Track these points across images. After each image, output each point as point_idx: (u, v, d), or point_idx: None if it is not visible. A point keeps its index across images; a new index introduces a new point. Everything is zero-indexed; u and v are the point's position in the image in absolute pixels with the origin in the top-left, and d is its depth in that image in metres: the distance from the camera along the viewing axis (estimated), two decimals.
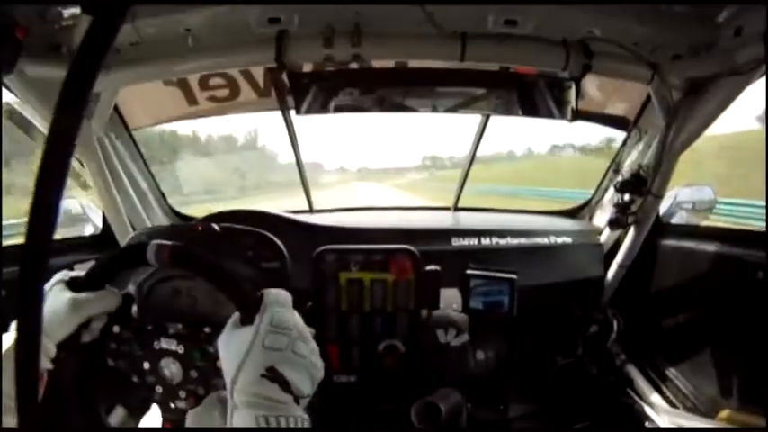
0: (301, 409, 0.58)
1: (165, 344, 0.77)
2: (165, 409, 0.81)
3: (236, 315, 0.62)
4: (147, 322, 0.80)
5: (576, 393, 1.67)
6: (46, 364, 0.67)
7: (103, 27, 0.35)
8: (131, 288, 0.86)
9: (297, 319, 0.63)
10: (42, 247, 0.35)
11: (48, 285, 0.70)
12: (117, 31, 0.36)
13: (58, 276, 0.72)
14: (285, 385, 0.57)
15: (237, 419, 0.55)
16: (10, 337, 0.63)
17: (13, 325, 0.58)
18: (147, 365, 0.78)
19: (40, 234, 0.35)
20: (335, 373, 1.30)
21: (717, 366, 1.36)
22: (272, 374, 0.56)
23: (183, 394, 0.78)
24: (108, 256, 0.73)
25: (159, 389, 0.78)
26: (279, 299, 0.63)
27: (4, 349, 0.61)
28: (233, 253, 1.08)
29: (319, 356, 0.65)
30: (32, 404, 0.36)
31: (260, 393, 0.55)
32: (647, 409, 1.52)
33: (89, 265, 0.75)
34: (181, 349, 0.77)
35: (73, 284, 0.71)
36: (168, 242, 0.66)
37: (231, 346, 0.59)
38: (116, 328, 0.77)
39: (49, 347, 0.67)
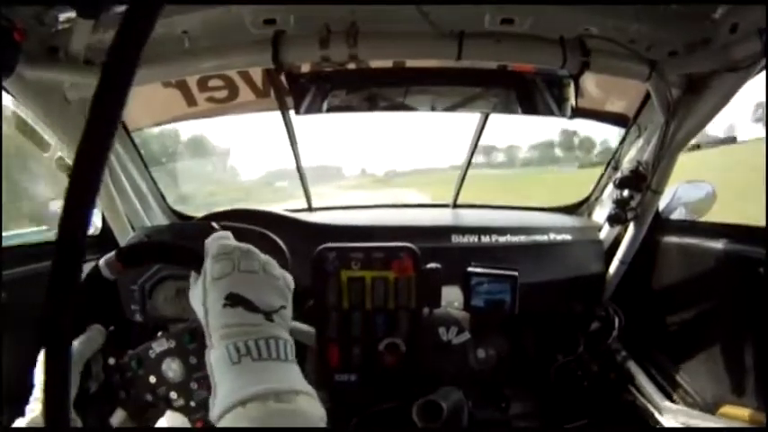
0: (278, 326, 0.54)
1: (158, 347, 0.77)
2: (188, 412, 0.79)
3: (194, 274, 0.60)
4: (150, 323, 0.80)
5: (578, 391, 1.67)
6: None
7: (139, 23, 0.33)
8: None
9: (239, 243, 0.60)
10: (76, 261, 0.34)
11: None
12: (153, 26, 0.34)
13: None
14: (249, 305, 0.53)
15: (211, 359, 0.51)
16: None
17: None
18: (153, 380, 0.77)
19: (72, 247, 0.33)
20: (337, 371, 1.30)
21: (717, 362, 1.36)
22: (232, 300, 0.53)
23: (194, 385, 0.77)
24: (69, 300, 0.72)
25: (174, 395, 0.77)
26: (218, 235, 0.60)
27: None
28: None
29: (278, 267, 0.61)
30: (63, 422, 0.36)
31: (227, 323, 0.52)
32: (649, 407, 1.52)
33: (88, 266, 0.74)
34: (172, 344, 0.76)
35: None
36: (112, 252, 0.63)
37: (193, 299, 0.57)
38: (112, 361, 0.77)
39: None
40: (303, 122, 1.73)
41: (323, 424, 0.48)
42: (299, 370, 0.53)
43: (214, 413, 0.47)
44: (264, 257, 0.60)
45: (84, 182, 0.33)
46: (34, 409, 0.65)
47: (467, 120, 1.82)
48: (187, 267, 0.60)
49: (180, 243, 0.63)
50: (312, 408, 0.49)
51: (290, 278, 0.61)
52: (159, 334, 0.77)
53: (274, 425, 0.45)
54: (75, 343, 0.69)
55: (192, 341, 0.75)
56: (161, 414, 0.82)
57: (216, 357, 0.51)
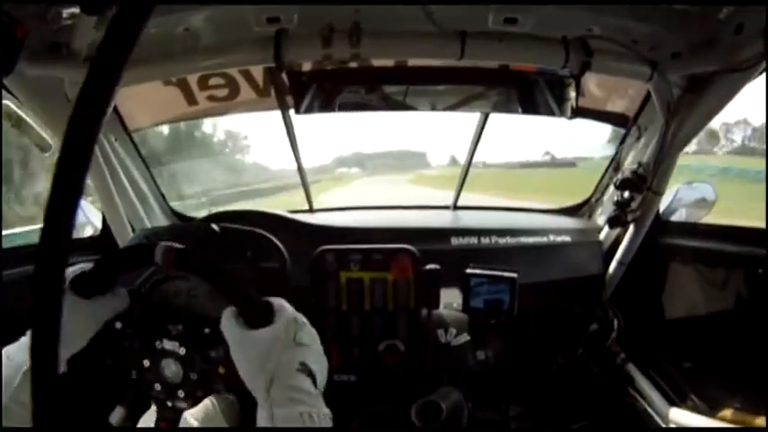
0: (322, 400, 0.61)
1: (168, 345, 0.78)
2: (161, 408, 0.81)
3: (232, 319, 0.63)
4: (148, 322, 0.80)
5: (577, 392, 1.67)
6: None
7: (128, 25, 0.34)
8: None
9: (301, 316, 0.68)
10: (61, 255, 0.34)
11: None
12: (141, 30, 0.35)
13: None
14: (314, 379, 0.61)
15: (280, 417, 0.57)
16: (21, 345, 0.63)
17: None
18: (147, 363, 0.78)
19: (56, 245, 0.33)
20: (336, 372, 1.29)
21: (717, 365, 1.36)
22: (304, 368, 0.61)
23: (181, 394, 0.79)
24: (113, 256, 0.72)
25: (158, 386, 0.79)
26: (285, 306, 0.66)
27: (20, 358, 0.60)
28: (233, 253, 1.08)
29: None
30: (50, 414, 0.35)
31: (299, 387, 0.59)
32: (648, 408, 1.51)
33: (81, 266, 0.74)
34: (182, 351, 0.77)
35: (77, 288, 0.68)
36: (177, 245, 0.65)
37: (251, 349, 0.61)
38: (118, 325, 0.77)
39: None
40: None
41: None
42: None
43: None
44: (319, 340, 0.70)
45: (68, 179, 0.33)
46: None
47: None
48: (237, 306, 0.64)
49: (241, 281, 0.65)
50: None
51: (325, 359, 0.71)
52: (173, 332, 0.78)
53: None
54: (101, 300, 0.69)
55: (203, 363, 0.78)
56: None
57: (288, 419, 0.57)
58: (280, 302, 0.66)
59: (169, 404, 0.80)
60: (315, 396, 0.60)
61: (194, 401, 0.78)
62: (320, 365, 0.65)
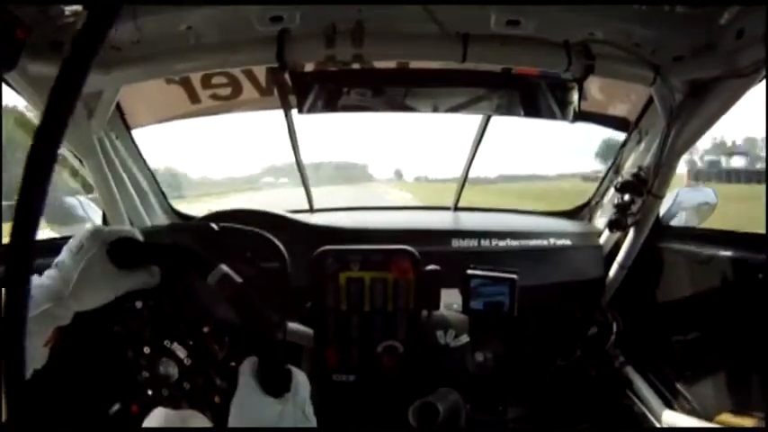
0: None
1: (176, 347, 0.76)
2: (138, 391, 0.79)
3: (249, 377, 0.61)
4: (168, 320, 0.79)
5: (575, 395, 1.67)
6: (62, 322, 0.64)
7: (97, 21, 0.35)
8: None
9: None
10: (27, 245, 0.35)
11: (85, 240, 0.66)
12: (110, 26, 0.36)
13: (99, 235, 0.67)
14: None
15: None
16: None
17: None
18: (147, 350, 0.77)
19: (25, 231, 0.34)
20: (334, 372, 1.30)
21: (716, 369, 1.36)
22: None
23: (165, 393, 0.77)
24: (170, 248, 0.71)
25: (146, 374, 0.77)
26: (304, 381, 0.64)
27: None
28: (232, 253, 1.08)
29: None
30: (20, 403, 0.36)
31: None
32: (646, 412, 1.52)
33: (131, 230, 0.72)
34: (188, 362, 0.76)
35: (115, 253, 0.66)
36: (237, 278, 0.63)
37: (250, 414, 0.59)
38: (139, 304, 0.76)
39: (68, 311, 0.64)
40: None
41: None
42: None
43: None
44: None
45: (37, 172, 0.35)
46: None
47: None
48: (263, 369, 0.62)
49: (276, 344, 0.64)
50: None
51: None
52: (181, 338, 0.77)
53: None
54: (132, 272, 0.68)
55: (202, 384, 0.76)
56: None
57: None
58: (300, 379, 0.64)
59: (149, 392, 0.79)
60: None
61: (173, 406, 0.77)
62: None
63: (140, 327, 0.77)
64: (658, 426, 1.46)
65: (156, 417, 0.78)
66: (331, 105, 1.34)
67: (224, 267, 0.63)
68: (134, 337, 0.77)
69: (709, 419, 1.32)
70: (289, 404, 0.59)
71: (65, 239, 0.70)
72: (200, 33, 1.15)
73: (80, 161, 1.45)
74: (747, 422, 1.22)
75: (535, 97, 1.33)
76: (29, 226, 0.35)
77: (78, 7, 0.97)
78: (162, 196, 1.86)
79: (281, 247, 1.12)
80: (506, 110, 1.41)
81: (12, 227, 0.34)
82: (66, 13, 1.00)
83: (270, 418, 0.58)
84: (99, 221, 1.66)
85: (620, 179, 1.54)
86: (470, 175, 2.05)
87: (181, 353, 0.76)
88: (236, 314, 0.64)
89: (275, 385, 0.60)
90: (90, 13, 0.35)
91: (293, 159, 1.93)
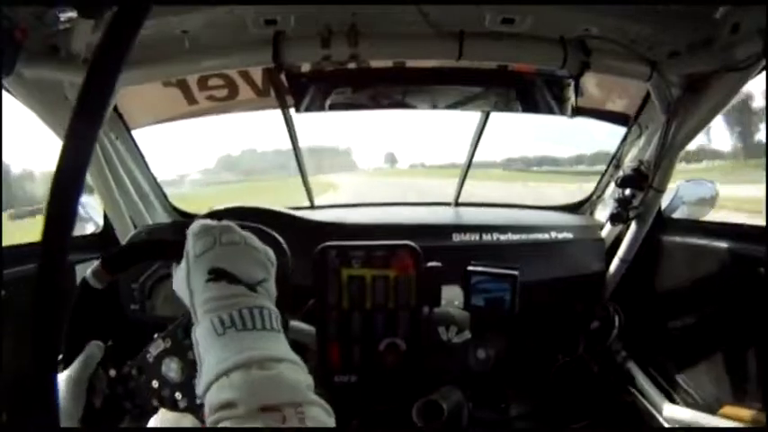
0: (262, 297, 0.54)
1: (154, 349, 0.75)
2: (194, 411, 0.78)
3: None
4: (149, 324, 0.79)
5: (578, 391, 1.67)
6: None
7: (125, 28, 0.34)
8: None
9: (220, 222, 0.60)
10: (61, 254, 0.34)
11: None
12: (138, 32, 0.35)
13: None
14: (231, 278, 0.53)
15: (197, 333, 0.51)
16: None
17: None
18: (156, 384, 0.75)
19: (56, 243, 0.34)
20: (337, 372, 1.30)
21: (718, 363, 1.35)
22: (215, 275, 0.53)
23: (178, 395, 0.76)
24: (160, 243, 0.71)
25: (178, 395, 0.74)
26: (198, 221, 0.59)
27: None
28: None
29: (259, 241, 0.62)
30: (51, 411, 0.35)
31: (210, 297, 0.51)
32: (649, 407, 1.51)
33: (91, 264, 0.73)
34: (168, 343, 0.75)
35: (109, 263, 0.67)
36: (98, 260, 0.64)
37: (178, 284, 0.58)
38: (113, 373, 0.75)
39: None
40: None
41: (310, 392, 0.47)
42: (285, 339, 0.53)
43: (200, 387, 0.48)
44: (245, 232, 0.60)
45: (69, 179, 0.34)
46: None
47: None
48: (175, 260, 0.60)
49: (160, 238, 0.64)
50: (296, 374, 0.48)
51: (271, 252, 0.61)
52: (156, 336, 0.76)
53: (258, 392, 0.44)
54: (75, 363, 0.68)
55: (186, 337, 0.72)
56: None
57: (201, 332, 0.50)
58: (193, 224, 0.59)
59: (198, 401, 0.77)
60: (237, 296, 0.51)
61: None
62: (244, 260, 0.55)
63: (134, 382, 0.76)
64: (661, 420, 1.46)
65: (156, 417, 0.78)
66: (328, 104, 1.34)
67: (88, 271, 0.64)
68: (143, 394, 0.76)
69: (712, 413, 1.32)
70: (185, 251, 0.57)
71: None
72: (196, 37, 1.16)
73: None
74: (751, 415, 1.22)
75: (533, 93, 1.33)
76: (63, 226, 0.35)
77: (74, 13, 0.97)
78: (163, 195, 1.86)
79: (283, 242, 1.11)
80: (504, 106, 1.41)
81: (44, 225, 0.33)
82: (62, 18, 1.00)
83: (182, 272, 0.56)
84: (100, 221, 1.66)
85: (620, 174, 1.54)
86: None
87: (160, 346, 0.74)
88: (128, 271, 0.66)
89: (181, 254, 0.59)
90: (117, 14, 0.34)
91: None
